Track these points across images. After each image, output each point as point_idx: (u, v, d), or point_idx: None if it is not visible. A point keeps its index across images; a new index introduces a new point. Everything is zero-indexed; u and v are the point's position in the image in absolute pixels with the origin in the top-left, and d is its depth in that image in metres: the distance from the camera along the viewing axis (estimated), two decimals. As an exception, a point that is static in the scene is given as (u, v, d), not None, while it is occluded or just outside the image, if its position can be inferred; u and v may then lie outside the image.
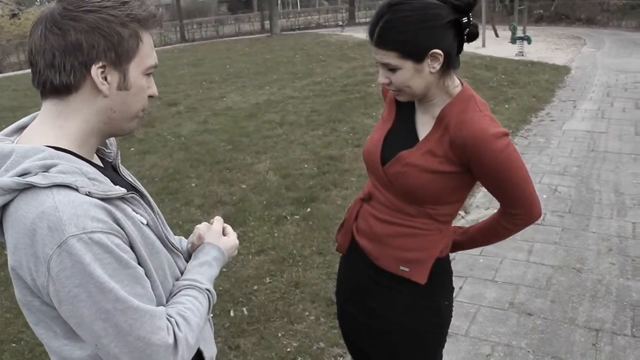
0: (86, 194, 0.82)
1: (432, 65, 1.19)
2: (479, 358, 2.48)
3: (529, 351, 2.50)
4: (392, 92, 1.26)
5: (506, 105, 7.38)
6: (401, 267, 1.32)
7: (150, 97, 0.96)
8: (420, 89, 1.22)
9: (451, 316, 1.42)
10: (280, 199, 4.50)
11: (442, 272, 1.37)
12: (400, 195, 1.25)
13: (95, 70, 0.87)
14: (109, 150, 1.01)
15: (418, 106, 1.31)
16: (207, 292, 1.02)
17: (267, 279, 3.26)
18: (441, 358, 1.44)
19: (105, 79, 0.88)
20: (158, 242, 0.94)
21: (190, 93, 9.61)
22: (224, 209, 4.32)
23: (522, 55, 11.90)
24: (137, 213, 0.91)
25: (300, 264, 3.42)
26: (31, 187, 0.81)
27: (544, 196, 4.37)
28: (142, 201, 0.95)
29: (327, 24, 29.54)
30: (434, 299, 1.36)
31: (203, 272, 1.05)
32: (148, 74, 0.94)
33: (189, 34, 26.56)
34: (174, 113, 8.16)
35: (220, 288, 3.16)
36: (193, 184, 5.01)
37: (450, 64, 1.22)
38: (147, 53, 0.92)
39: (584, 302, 2.88)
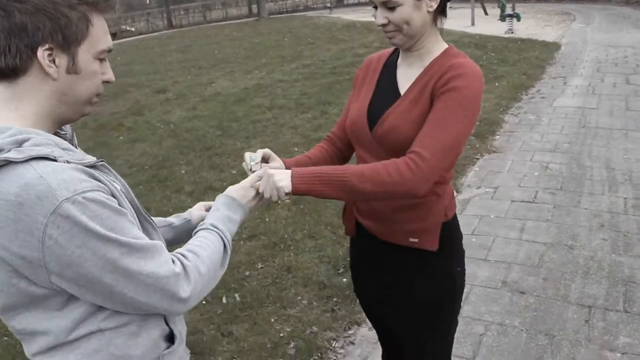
0: (65, 162, 0.83)
1: (430, 3, 1.24)
2: (472, 338, 2.47)
3: (522, 329, 2.49)
4: (388, 34, 1.27)
5: (496, 84, 7.34)
6: (410, 239, 1.33)
7: (106, 82, 0.95)
8: (417, 27, 1.25)
9: (464, 283, 1.44)
10: None
11: (451, 237, 1.37)
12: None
13: (42, 53, 0.85)
14: (63, 132, 1.00)
15: (403, 60, 1.34)
16: (215, 228, 1.05)
17: (259, 264, 3.25)
18: (457, 324, 1.46)
19: (54, 61, 0.87)
20: (132, 212, 0.94)
21: (178, 80, 9.54)
22: (214, 195, 4.22)
23: (512, 32, 11.81)
24: (108, 180, 0.92)
25: (292, 248, 3.41)
26: (7, 163, 0.79)
27: (535, 174, 4.35)
28: (111, 169, 0.96)
29: (315, 6, 29.22)
30: (447, 266, 1.37)
31: (210, 216, 1.09)
32: (101, 59, 0.93)
33: (176, 20, 26.21)
34: (162, 100, 8.11)
35: None
36: (183, 171, 5.00)
37: (443, 9, 1.27)
38: (99, 37, 0.90)
39: (576, 279, 2.87)
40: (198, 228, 1.07)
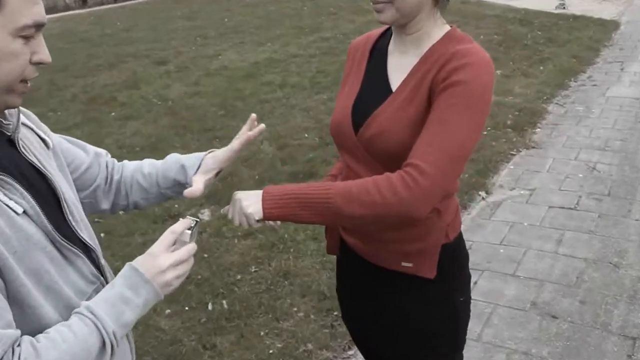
0: None
1: None
2: (491, 368, 2.43)
3: (551, 361, 2.46)
4: (377, 6, 1.23)
5: (541, 67, 7.13)
6: (403, 263, 1.32)
7: (38, 64, 0.88)
8: (414, 2, 1.22)
9: (469, 314, 1.42)
10: (275, 173, 4.50)
11: (453, 261, 1.36)
12: (380, 168, 1.22)
13: None
14: (7, 122, 0.93)
15: (395, 46, 1.31)
16: (90, 315, 0.88)
17: (253, 267, 3.27)
18: (462, 358, 1.46)
19: None
20: (40, 236, 0.87)
21: (181, 50, 9.49)
22: (209, 186, 4.35)
23: (563, 8, 11.47)
24: (10, 199, 0.85)
25: (291, 250, 3.41)
26: None
27: (580, 175, 4.30)
28: (17, 186, 0.87)
29: (342, -29, 28.83)
30: (447, 295, 1.36)
31: (101, 300, 0.92)
32: (26, 36, 0.85)
33: (187, -18, 26.12)
34: (162, 73, 8.12)
35: (199, 277, 3.18)
36: None
37: None
38: (17, 9, 0.83)
39: (620, 305, 2.81)
40: (83, 305, 0.90)
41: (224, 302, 2.96)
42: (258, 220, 1.15)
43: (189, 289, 3.09)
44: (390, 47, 1.32)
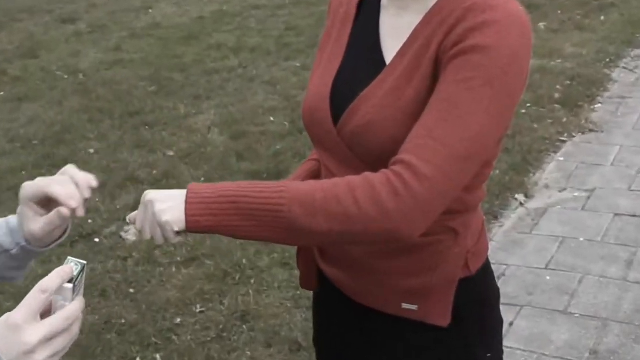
0: None
1: None
2: None
3: None
4: None
5: (602, 17, 7.06)
6: (404, 305, 1.35)
7: None
8: None
9: None
10: (228, 173, 4.50)
11: (475, 302, 1.39)
12: (368, 171, 1.21)
13: None
14: None
15: (390, 0, 1.33)
16: None
17: (198, 306, 3.28)
18: None
19: None
20: None
21: (96, 2, 9.44)
22: (136, 192, 4.31)
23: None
24: None
25: (252, 281, 3.41)
26: None
27: None
28: None
29: None
30: (466, 350, 1.38)
31: None
32: None
33: None
34: (69, 35, 8.09)
35: (123, 321, 3.20)
36: (92, 150, 5.04)
37: None
38: None
39: None
40: None
41: (158, 356, 2.96)
42: (178, 233, 1.15)
43: (108, 339, 3.06)
44: (384, 1, 1.34)
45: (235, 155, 4.78)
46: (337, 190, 1.14)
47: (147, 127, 5.33)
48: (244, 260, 3.56)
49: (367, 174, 1.15)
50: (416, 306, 1.33)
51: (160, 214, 1.13)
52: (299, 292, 3.25)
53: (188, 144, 5.03)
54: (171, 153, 4.91)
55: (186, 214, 1.13)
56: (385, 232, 1.13)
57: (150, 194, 1.15)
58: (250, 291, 3.34)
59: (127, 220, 1.19)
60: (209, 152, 4.84)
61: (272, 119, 5.31)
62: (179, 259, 3.62)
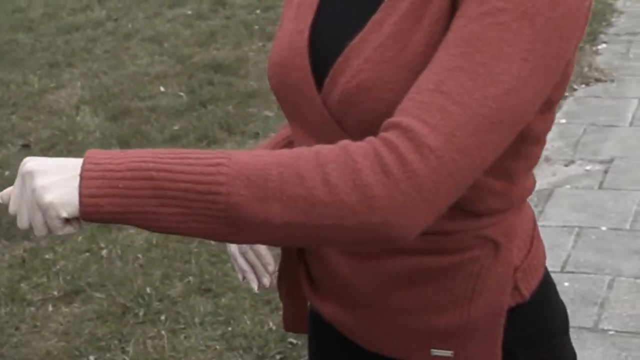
0: None
1: None
2: None
3: None
4: None
5: None
6: (434, 351, 1.27)
7: None
8: None
9: None
10: None
11: (535, 336, 1.29)
12: None
13: None
14: None
15: None
16: None
17: (92, 357, 3.02)
18: None
19: None
20: None
21: None
22: None
23: None
24: None
25: (162, 318, 3.14)
26: None
27: None
28: None
29: None
30: None
31: None
32: None
33: None
34: None
35: None
36: None
37: None
38: None
39: None
40: None
41: None
42: (68, 220, 1.01)
43: None
44: None
45: (117, 142, 4.48)
46: (301, 164, 1.01)
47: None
48: (148, 289, 3.28)
49: (346, 142, 1.03)
50: (451, 351, 1.27)
51: (43, 192, 0.99)
52: (230, 329, 3.05)
53: (49, 130, 4.69)
54: (19, 144, 4.60)
55: (80, 194, 0.98)
56: (368, 227, 1.00)
57: (31, 163, 1.02)
58: (163, 331, 3.06)
59: None
60: (80, 141, 4.50)
61: (162, 89, 5.05)
62: (55, 292, 3.30)
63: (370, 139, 1.04)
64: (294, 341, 2.87)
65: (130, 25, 6.02)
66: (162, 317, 3.11)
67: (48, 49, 5.80)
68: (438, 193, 1.01)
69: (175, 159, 1.02)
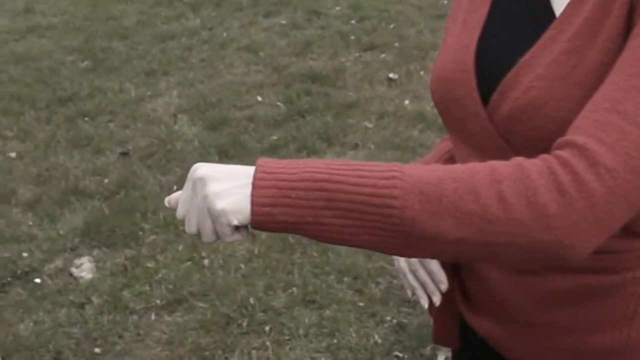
0: None
1: None
2: None
3: None
4: None
5: None
6: None
7: None
8: None
9: None
10: None
11: None
12: None
13: None
14: None
15: None
16: None
17: None
18: None
19: None
20: None
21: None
22: (84, 209, 3.99)
23: None
24: None
25: (266, 329, 3.12)
26: None
27: None
28: None
29: None
30: None
31: None
32: None
33: None
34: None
35: None
36: (12, 154, 4.67)
37: None
38: None
39: None
40: None
41: None
42: (237, 228, 1.04)
43: None
44: None
45: (216, 151, 4.44)
46: (475, 181, 1.01)
47: (86, 118, 4.93)
48: (251, 300, 3.26)
49: (520, 159, 1.03)
50: None
51: (215, 199, 1.01)
52: (335, 341, 3.03)
53: (148, 138, 4.65)
54: (116, 151, 4.54)
55: (253, 202, 1.00)
56: (541, 246, 1.00)
57: (202, 169, 1.05)
58: (267, 342, 3.05)
59: (166, 204, 1.12)
60: (179, 149, 4.50)
61: (259, 98, 5.02)
62: (158, 301, 3.29)
63: (545, 156, 1.04)
64: (400, 354, 2.89)
65: (225, 34, 6.03)
66: (267, 328, 3.12)
67: (144, 57, 5.79)
68: (612, 214, 1.00)
69: (348, 170, 1.02)
